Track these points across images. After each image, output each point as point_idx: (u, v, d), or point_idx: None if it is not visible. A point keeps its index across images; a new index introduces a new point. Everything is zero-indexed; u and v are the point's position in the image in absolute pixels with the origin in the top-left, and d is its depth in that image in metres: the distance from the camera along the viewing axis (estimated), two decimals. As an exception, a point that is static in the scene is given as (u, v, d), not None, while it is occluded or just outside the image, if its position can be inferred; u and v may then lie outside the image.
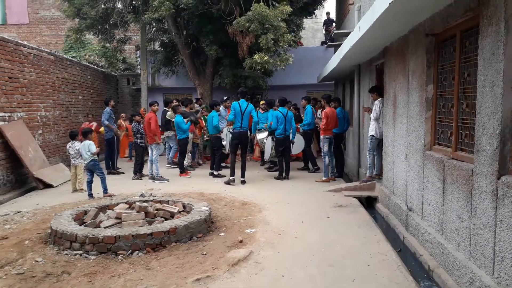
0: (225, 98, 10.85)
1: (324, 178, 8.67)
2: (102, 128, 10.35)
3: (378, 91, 7.12)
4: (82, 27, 13.69)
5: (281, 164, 9.02)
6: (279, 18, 10.12)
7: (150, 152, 9.10)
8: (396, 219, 5.86)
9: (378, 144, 7.21)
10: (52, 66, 10.42)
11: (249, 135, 9.21)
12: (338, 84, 13.22)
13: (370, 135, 7.23)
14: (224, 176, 9.21)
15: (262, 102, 11.43)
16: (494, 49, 3.11)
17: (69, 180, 8.74)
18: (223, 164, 10.40)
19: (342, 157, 9.83)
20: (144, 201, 5.86)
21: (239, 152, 8.85)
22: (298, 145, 9.66)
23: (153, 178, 8.97)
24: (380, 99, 7.02)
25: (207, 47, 11.92)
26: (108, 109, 10.19)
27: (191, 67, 13.16)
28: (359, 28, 5.75)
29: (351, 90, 10.23)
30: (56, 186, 8.61)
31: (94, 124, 11.07)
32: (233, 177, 8.41)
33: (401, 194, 5.70)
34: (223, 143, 9.58)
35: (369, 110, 7.46)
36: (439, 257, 4.14)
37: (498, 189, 3.01)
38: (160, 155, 9.34)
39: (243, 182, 8.48)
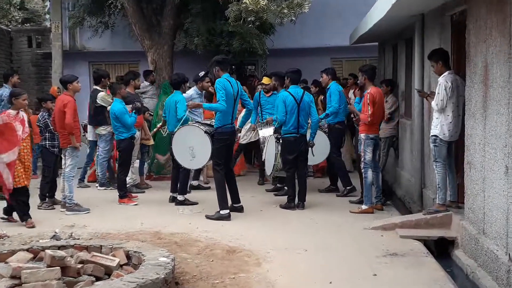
0: (201, 74, 10.22)
1: (365, 207, 8.45)
2: None
3: (444, 58, 7.01)
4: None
5: (291, 183, 8.71)
6: None
7: (63, 161, 8.74)
8: (489, 276, 5.55)
9: (448, 150, 7.09)
10: None
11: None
12: (385, 47, 13.08)
13: (433, 136, 7.13)
14: (196, 203, 8.98)
15: (266, 79, 10.88)
16: None
17: None
18: (195, 183, 10.21)
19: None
20: (60, 247, 5.58)
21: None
22: (320, 150, 9.28)
23: (72, 206, 8.54)
24: (448, 72, 6.88)
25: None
26: (6, 89, 9.80)
27: (137, 17, 12.62)
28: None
29: (408, 57, 10.06)
30: None
31: None
32: (227, 211, 8.04)
33: (499, 234, 5.40)
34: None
35: (430, 95, 7.42)
36: None
37: None
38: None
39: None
